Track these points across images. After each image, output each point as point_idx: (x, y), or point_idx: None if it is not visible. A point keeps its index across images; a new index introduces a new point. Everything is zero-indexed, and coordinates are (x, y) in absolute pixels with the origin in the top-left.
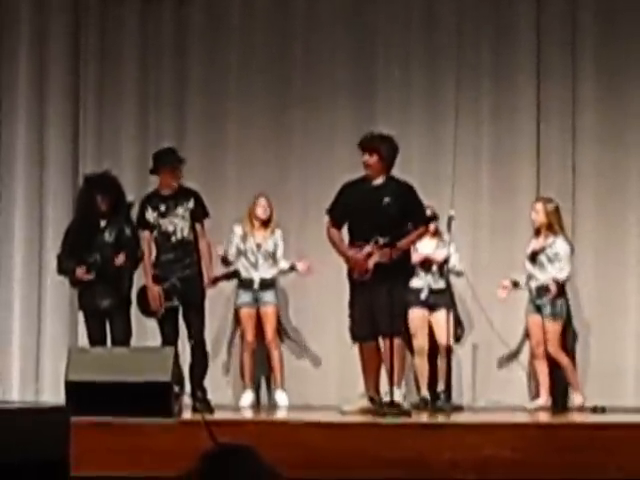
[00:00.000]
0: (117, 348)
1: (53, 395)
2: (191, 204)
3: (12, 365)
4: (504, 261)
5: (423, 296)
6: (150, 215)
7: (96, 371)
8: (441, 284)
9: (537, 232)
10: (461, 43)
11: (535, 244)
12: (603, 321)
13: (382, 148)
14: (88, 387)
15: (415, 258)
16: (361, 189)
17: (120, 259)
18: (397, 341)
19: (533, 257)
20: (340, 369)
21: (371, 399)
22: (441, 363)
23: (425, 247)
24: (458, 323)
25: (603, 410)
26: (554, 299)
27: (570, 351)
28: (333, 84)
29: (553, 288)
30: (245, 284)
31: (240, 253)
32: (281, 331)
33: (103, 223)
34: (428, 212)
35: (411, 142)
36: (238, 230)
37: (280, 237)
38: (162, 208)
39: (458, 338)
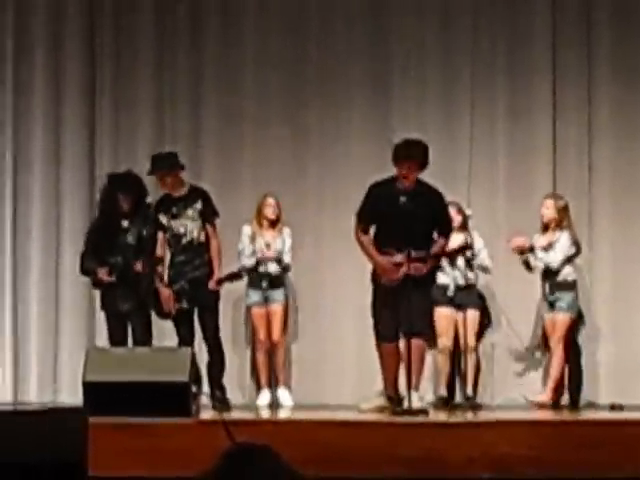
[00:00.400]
0: (134, 348)
1: (71, 395)
2: (199, 205)
3: (30, 365)
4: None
5: (450, 292)
6: (163, 218)
7: (114, 371)
8: (468, 280)
9: (545, 228)
10: (477, 41)
11: (542, 240)
12: (620, 318)
13: (421, 159)
14: (106, 387)
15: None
16: (389, 191)
17: (138, 267)
18: (417, 342)
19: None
20: (357, 367)
21: (389, 397)
22: (469, 363)
23: (453, 240)
24: (486, 317)
25: (621, 408)
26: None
27: (583, 348)
28: (349, 82)
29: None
30: (254, 283)
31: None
32: (287, 329)
33: (125, 224)
34: (453, 211)
35: (427, 140)
36: (247, 230)
37: (288, 235)
38: (174, 210)
39: (483, 330)
